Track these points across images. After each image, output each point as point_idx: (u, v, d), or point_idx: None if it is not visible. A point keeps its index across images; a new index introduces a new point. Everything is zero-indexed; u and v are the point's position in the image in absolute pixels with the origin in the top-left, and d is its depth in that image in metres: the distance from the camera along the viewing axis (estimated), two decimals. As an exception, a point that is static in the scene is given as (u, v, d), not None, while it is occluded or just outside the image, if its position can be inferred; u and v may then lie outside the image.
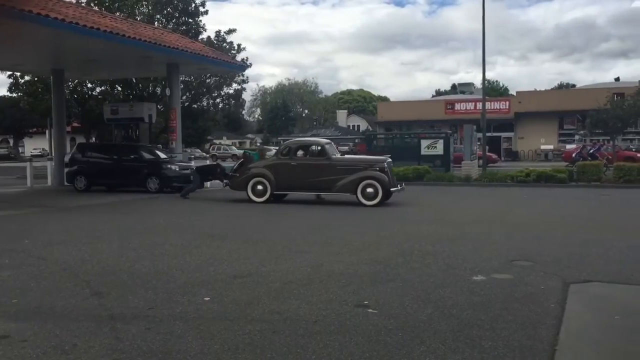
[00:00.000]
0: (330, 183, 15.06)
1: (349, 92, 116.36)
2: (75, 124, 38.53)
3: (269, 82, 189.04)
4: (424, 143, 27.99)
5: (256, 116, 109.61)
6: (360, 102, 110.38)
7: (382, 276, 7.01)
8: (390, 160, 16.18)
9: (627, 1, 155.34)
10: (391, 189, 14.94)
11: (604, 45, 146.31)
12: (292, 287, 6.47)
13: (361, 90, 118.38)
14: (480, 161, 27.24)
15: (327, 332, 4.92)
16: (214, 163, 21.28)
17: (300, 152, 15.84)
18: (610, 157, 30.10)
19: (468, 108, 53.24)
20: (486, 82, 28.54)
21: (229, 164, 22.45)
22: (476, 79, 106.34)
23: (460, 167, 25.31)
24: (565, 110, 48.66)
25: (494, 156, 40.98)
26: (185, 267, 7.58)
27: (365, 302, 5.85)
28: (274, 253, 8.54)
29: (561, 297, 6.03)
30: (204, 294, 6.19)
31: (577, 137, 45.14)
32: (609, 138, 35.64)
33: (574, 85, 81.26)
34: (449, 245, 9.17)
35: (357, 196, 14.83)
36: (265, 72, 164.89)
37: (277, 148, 20.24)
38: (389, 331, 4.95)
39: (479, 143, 32.57)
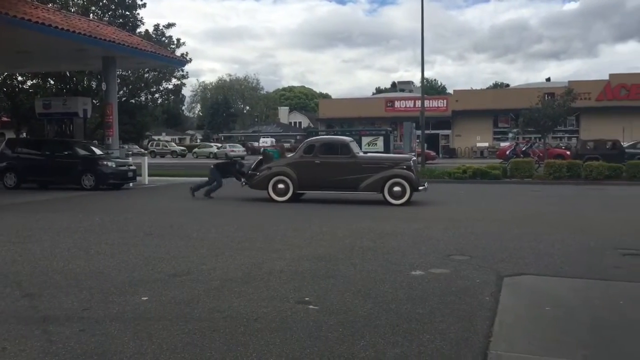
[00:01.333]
0: (355, 182, 14.68)
1: (291, 89, 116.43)
2: (4, 119, 36.86)
3: (210, 78, 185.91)
4: (365, 140, 28.28)
5: (196, 112, 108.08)
6: (302, 99, 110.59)
7: (323, 272, 7.04)
8: (415, 158, 16.15)
9: (559, 4, 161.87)
10: (419, 188, 14.72)
11: (537, 46, 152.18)
12: (233, 285, 6.41)
13: (303, 87, 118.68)
14: (419, 158, 27.78)
15: (268, 330, 4.90)
16: (231, 160, 20.38)
17: (323, 150, 15.25)
18: (541, 154, 31.31)
19: (407, 106, 54.24)
20: (425, 80, 29.15)
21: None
22: (415, 77, 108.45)
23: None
24: (500, 109, 50.29)
25: (432, 153, 41.90)
26: (122, 267, 7.38)
27: (307, 299, 5.86)
28: (214, 251, 8.44)
29: (495, 290, 6.22)
30: (141, 294, 6.05)
31: (510, 135, 46.77)
32: (540, 136, 37.04)
33: (507, 85, 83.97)
34: (389, 241, 9.31)
35: (384, 195, 14.55)
36: (206, 67, 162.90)
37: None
38: (330, 327, 4.98)
39: (418, 140, 33.25)
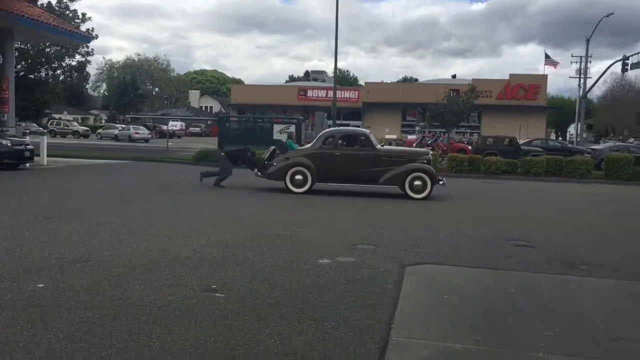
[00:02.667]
0: (375, 175, 14.51)
1: (203, 72, 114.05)
2: None
3: (117, 56, 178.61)
4: (277, 128, 28.27)
5: (102, 91, 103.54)
6: (214, 83, 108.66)
7: (230, 260, 7.00)
8: (431, 152, 16.00)
9: (467, 4, 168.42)
10: (439, 182, 14.69)
11: (445, 43, 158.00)
12: (136, 272, 6.23)
13: (215, 71, 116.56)
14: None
15: (172, 318, 4.81)
16: (244, 147, 19.01)
17: (343, 142, 15.03)
18: (445, 148, 32.55)
19: (320, 95, 54.68)
20: (338, 71, 29.44)
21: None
22: (329, 67, 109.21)
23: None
24: (409, 102, 51.85)
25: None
26: (16, 252, 6.98)
27: (213, 287, 5.81)
28: (117, 236, 8.15)
29: (398, 279, 6.44)
30: (37, 280, 5.75)
31: (417, 128, 48.29)
32: (445, 130, 38.49)
33: (416, 80, 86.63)
34: (298, 229, 9.38)
35: (405, 189, 14.47)
36: (113, 45, 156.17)
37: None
38: (236, 315, 4.96)
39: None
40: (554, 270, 7.19)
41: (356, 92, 55.89)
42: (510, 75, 53.32)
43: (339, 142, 14.88)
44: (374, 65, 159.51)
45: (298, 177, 14.55)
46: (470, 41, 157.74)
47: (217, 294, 5.57)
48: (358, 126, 54.51)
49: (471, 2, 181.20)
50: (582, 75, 47.97)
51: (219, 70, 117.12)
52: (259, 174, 15.23)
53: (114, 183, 15.81)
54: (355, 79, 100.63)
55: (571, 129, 68.34)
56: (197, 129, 70.49)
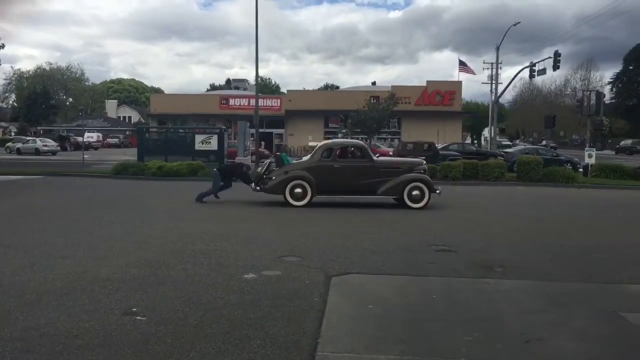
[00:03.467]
0: (373, 186, 14.54)
1: (120, 81, 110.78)
2: None
3: (27, 65, 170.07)
4: (199, 138, 27.76)
5: (11, 102, 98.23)
6: (132, 92, 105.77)
7: (152, 280, 6.80)
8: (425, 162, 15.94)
9: (385, 12, 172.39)
10: (436, 191, 14.70)
11: (365, 50, 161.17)
12: (50, 298, 5.94)
13: (133, 79, 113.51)
14: (254, 157, 27.98)
15: (90, 347, 4.61)
16: (238, 162, 17.77)
17: (342, 154, 14.91)
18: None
19: (242, 104, 54.30)
20: (259, 79, 29.34)
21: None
22: (250, 74, 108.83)
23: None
24: (331, 109, 52.40)
25: (267, 152, 42.40)
26: None
27: (134, 309, 5.62)
28: (29, 259, 7.74)
29: (324, 290, 6.47)
30: (-61, 314, 5.37)
31: (340, 135, 48.82)
32: (366, 137, 39.22)
33: (338, 87, 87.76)
34: (222, 243, 9.25)
35: (404, 199, 14.44)
36: (22, 53, 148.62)
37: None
38: (159, 339, 4.82)
39: (252, 139, 33.43)
40: (472, 274, 7.45)
41: (278, 100, 55.92)
42: (428, 82, 54.98)
43: (338, 154, 14.88)
44: (296, 72, 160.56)
45: (297, 190, 14.47)
46: (388, 48, 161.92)
47: (139, 317, 5.39)
48: (281, 134, 54.64)
49: (389, 10, 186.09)
50: (493, 81, 50.21)
51: (137, 78, 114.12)
52: (258, 188, 15.00)
53: (24, 200, 15.02)
54: (277, 87, 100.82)
55: (485, 132, 71.27)
56: (115, 140, 68.30)
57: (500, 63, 49.14)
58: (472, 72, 53.63)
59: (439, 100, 53.14)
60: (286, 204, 14.39)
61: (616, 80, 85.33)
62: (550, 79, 79.43)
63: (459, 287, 6.75)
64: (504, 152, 36.09)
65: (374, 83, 70.64)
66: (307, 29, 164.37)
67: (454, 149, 35.10)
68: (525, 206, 15.75)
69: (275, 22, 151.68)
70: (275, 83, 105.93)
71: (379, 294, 6.43)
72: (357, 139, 41.62)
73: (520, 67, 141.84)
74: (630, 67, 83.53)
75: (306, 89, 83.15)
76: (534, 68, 40.69)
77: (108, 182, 21.86)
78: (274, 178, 14.72)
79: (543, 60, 39.17)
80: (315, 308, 5.79)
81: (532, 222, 12.76)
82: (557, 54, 36.90)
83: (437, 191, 14.74)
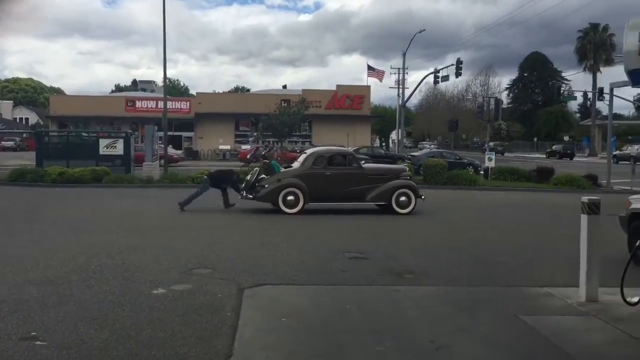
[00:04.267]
0: (362, 192, 14.78)
1: (16, 81, 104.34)
2: None
3: None
4: (103, 142, 26.63)
5: None
6: (29, 92, 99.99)
7: (53, 299, 6.42)
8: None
9: (295, 14, 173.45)
10: (421, 197, 15.08)
11: (275, 52, 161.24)
12: (-62, 325, 5.47)
13: (30, 79, 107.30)
14: (162, 161, 27.21)
15: (-17, 379, 4.29)
16: (229, 169, 16.79)
17: (332, 161, 15.05)
18: (279, 158, 33.13)
19: (149, 106, 52.71)
20: (168, 80, 28.62)
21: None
22: (158, 76, 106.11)
23: (141, 167, 24.84)
24: (241, 112, 51.91)
25: (176, 156, 41.39)
26: None
27: (33, 334, 5.28)
28: None
29: (236, 304, 6.37)
30: None
31: (251, 139, 48.56)
32: (277, 140, 39.24)
33: (248, 90, 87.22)
34: (129, 256, 8.90)
35: (392, 205, 14.66)
36: None
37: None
38: (61, 365, 4.56)
39: (160, 142, 32.51)
40: (383, 281, 7.61)
41: (188, 103, 54.74)
42: (337, 86, 55.77)
43: (329, 162, 15.00)
44: (206, 74, 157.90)
45: (290, 197, 14.47)
46: (299, 51, 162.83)
47: (38, 342, 5.07)
48: (190, 137, 53.55)
49: (299, 13, 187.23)
50: (400, 86, 51.76)
51: (35, 78, 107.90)
52: (250, 196, 14.88)
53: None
54: (187, 89, 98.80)
55: (393, 135, 73.26)
56: (11, 144, 64.15)
57: (407, 68, 50.83)
58: (380, 77, 54.93)
59: (348, 104, 54.03)
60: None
61: (513, 86, 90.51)
62: (453, 84, 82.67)
63: (372, 296, 6.87)
64: (411, 155, 37.26)
65: (284, 86, 70.75)
66: (216, 30, 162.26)
67: (364, 152, 35.84)
68: (433, 210, 16.29)
69: (184, 22, 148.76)
70: (184, 85, 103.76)
71: (292, 306, 6.42)
72: (268, 142, 41.62)
73: (426, 72, 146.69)
74: (525, 74, 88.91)
75: (216, 91, 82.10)
76: (438, 74, 42.33)
77: (3, 189, 20.51)
78: (266, 186, 14.71)
79: (447, 67, 40.80)
80: (227, 323, 5.69)
81: (441, 226, 13.23)
82: (459, 62, 38.55)
83: (422, 197, 15.14)
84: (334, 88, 55.58)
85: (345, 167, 15.09)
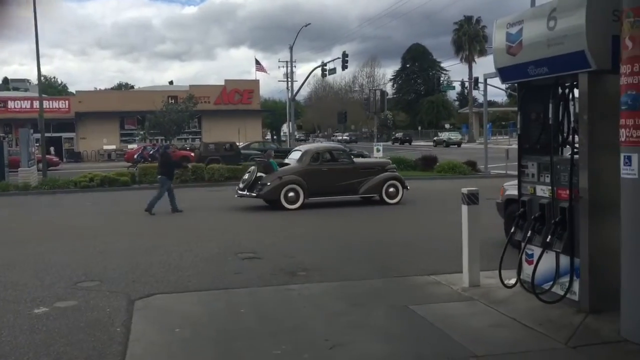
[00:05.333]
0: (355, 186, 15.60)
1: None
2: None
3: None
4: (-29, 148, 24.57)
5: None
6: None
7: None
8: None
9: (179, 7, 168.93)
10: (406, 188, 16.12)
11: (161, 46, 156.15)
12: None
13: None
14: (40, 165, 25.60)
15: None
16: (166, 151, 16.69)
17: (328, 158, 15.94)
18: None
19: (23, 106, 49.32)
20: (43, 78, 26.83)
21: None
22: (33, 73, 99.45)
23: (17, 173, 23.18)
24: (126, 110, 49.86)
25: (55, 158, 39.07)
26: None
27: None
28: None
29: (127, 318, 6.12)
30: None
31: (137, 138, 46.84)
32: (164, 138, 38.09)
33: (132, 86, 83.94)
34: (6, 272, 8.31)
35: (382, 196, 15.63)
36: None
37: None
38: None
39: (37, 145, 30.52)
40: (277, 280, 7.62)
41: (67, 102, 51.72)
42: (226, 80, 55.10)
43: (325, 158, 15.86)
44: (86, 70, 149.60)
45: (291, 194, 15.01)
46: (185, 44, 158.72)
47: None
48: (71, 138, 50.74)
49: (183, 6, 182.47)
50: (289, 79, 52.08)
51: None
52: (254, 194, 15.20)
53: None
54: (65, 87, 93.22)
55: (284, 129, 73.57)
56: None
57: (295, 61, 51.18)
58: (266, 71, 55.07)
59: (238, 99, 53.59)
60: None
61: (396, 77, 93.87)
62: (340, 76, 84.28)
63: (266, 297, 6.86)
64: (302, 148, 37.58)
65: (171, 82, 68.98)
66: (95, 23, 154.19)
67: (256, 147, 35.72)
68: (322, 203, 16.54)
69: (59, 15, 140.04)
70: (62, 82, 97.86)
71: (186, 315, 6.26)
72: (157, 141, 40.38)
73: (314, 64, 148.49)
74: (408, 65, 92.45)
75: (98, 88, 78.32)
76: (325, 67, 43.02)
77: None
78: (268, 184, 15.08)
79: (333, 60, 41.60)
80: (117, 340, 5.45)
81: (329, 220, 13.47)
82: (344, 55, 39.39)
83: (407, 187, 16.21)
84: (223, 82, 54.88)
85: (340, 162, 16.04)
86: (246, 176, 15.91)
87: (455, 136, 64.95)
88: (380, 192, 15.77)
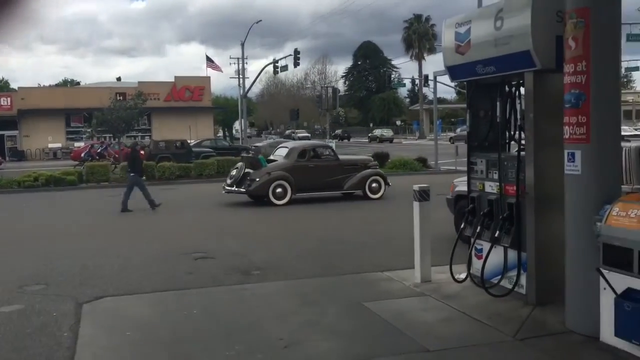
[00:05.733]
0: (340, 182, 15.93)
1: None
2: None
3: None
4: None
5: None
6: None
7: None
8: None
9: (126, 1, 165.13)
10: (388, 184, 16.52)
11: (108, 42, 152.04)
12: None
13: None
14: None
15: None
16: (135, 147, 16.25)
17: (314, 154, 16.21)
18: (117, 155, 31.46)
19: (-39, 104, 47.31)
20: (-19, 77, 25.70)
21: None
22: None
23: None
24: (72, 107, 48.41)
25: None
26: None
27: None
28: None
29: (74, 322, 5.95)
30: None
31: (84, 135, 45.60)
32: (112, 136, 37.10)
33: (79, 83, 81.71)
34: (-56, 278, 7.93)
35: (366, 191, 16.01)
36: None
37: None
38: None
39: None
40: (231, 280, 7.56)
41: (9, 99, 49.84)
42: (176, 77, 54.18)
43: (311, 155, 16.11)
44: (29, 65, 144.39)
45: (279, 190, 15.17)
46: (133, 40, 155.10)
47: None
48: (14, 136, 49.01)
49: (131, 0, 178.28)
50: (241, 76, 51.67)
51: None
52: (242, 190, 15.28)
53: None
54: (6, 83, 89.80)
55: (236, 125, 72.96)
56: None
57: (246, 58, 50.80)
58: (219, 70, 54.44)
59: (188, 95, 52.79)
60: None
61: (348, 74, 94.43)
62: (292, 73, 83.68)
63: (220, 298, 6.78)
64: (255, 146, 37.39)
65: (119, 79, 67.32)
66: (39, 17, 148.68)
67: (207, 145, 35.29)
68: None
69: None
70: (2, 78, 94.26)
71: (137, 317, 6.13)
72: (105, 138, 39.38)
73: (265, 61, 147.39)
74: (359, 62, 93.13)
75: (42, 84, 75.71)
76: (277, 64, 42.86)
77: None
78: (257, 179, 15.21)
79: (285, 57, 41.44)
80: (64, 345, 5.29)
81: (286, 217, 13.44)
82: (296, 52, 39.33)
83: (389, 184, 16.64)
84: (173, 79, 54.00)
85: (326, 159, 16.31)
86: (234, 172, 15.99)
87: (387, 133, 67.09)
88: (363, 187, 16.19)
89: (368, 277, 7.52)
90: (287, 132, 69.06)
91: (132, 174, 14.94)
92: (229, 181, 15.84)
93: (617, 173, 5.47)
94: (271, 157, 16.66)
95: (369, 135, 68.05)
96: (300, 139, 44.56)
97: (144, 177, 16.26)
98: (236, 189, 15.45)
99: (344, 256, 8.89)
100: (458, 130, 57.76)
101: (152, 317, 6.16)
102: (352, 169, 16.35)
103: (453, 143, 42.89)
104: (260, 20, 46.67)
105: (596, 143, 5.02)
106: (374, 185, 16.26)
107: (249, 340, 5.32)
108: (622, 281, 4.55)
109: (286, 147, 17.03)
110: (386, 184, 16.48)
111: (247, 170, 15.55)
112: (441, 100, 63.21)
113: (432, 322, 5.69)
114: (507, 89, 6.26)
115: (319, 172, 15.75)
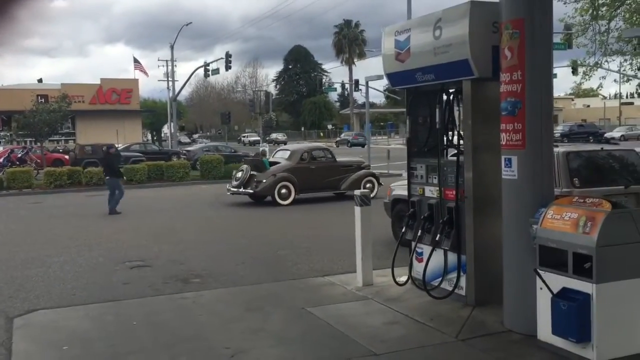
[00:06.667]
0: (337, 182, 16.60)
1: None
2: None
3: None
4: None
5: None
6: None
7: None
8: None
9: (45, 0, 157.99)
10: (381, 184, 17.03)
11: (27, 41, 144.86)
12: None
13: None
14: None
15: None
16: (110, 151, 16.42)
17: (315, 156, 16.91)
18: (39, 160, 30.10)
19: None
20: None
21: None
22: None
23: None
24: (-11, 110, 45.94)
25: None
26: None
27: None
28: None
29: (6, 338, 5.66)
30: None
31: (4, 140, 43.32)
32: (34, 140, 35.47)
33: (-3, 84, 77.56)
34: None
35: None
36: None
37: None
38: None
39: None
40: (170, 289, 7.38)
41: None
42: (102, 79, 52.42)
43: (312, 156, 16.81)
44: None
45: (283, 190, 15.72)
46: (55, 39, 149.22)
47: None
48: None
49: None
50: (170, 79, 50.60)
51: None
52: (250, 191, 15.74)
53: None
54: None
55: (165, 129, 71.35)
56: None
57: (176, 60, 49.83)
58: (146, 73, 53.20)
59: (115, 98, 51.20)
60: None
61: (279, 78, 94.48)
62: (223, 76, 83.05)
63: (159, 307, 6.61)
64: (186, 150, 36.71)
65: (40, 80, 64.29)
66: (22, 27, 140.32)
67: (136, 149, 34.34)
68: (212, 206, 16.31)
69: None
70: None
71: (73, 331, 5.87)
72: (25, 143, 37.58)
73: (195, 63, 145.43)
74: (290, 67, 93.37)
75: (-46, 85, 71.32)
76: (208, 67, 42.28)
77: None
78: (264, 181, 15.71)
79: (216, 60, 40.96)
80: (-4, 363, 5.02)
81: (222, 222, 13.28)
82: (228, 55, 38.92)
83: (382, 184, 17.08)
84: (99, 81, 52.24)
85: (324, 161, 17.00)
86: (239, 174, 16.41)
87: (281, 137, 69.82)
88: (359, 187, 16.38)
89: (309, 282, 7.52)
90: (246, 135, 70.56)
91: (108, 178, 15.32)
92: (234, 183, 16.30)
93: (551, 178, 5.73)
94: (272, 160, 17.25)
95: (267, 138, 69.73)
96: (250, 142, 44.49)
97: (124, 178, 16.95)
98: (243, 190, 16.02)
99: (280, 262, 8.87)
100: (342, 135, 61.35)
101: (89, 329, 5.92)
102: (348, 170, 17.11)
103: (338, 147, 44.99)
104: (191, 23, 45.76)
105: (531, 149, 5.25)
106: (368, 185, 16.72)
107: (192, 350, 5.22)
108: (557, 281, 4.76)
109: (287, 149, 17.86)
110: (379, 184, 17.13)
111: (252, 172, 16.07)
112: (371, 105, 64.31)
113: (376, 326, 5.77)
114: (445, 96, 6.44)
115: (320, 173, 16.49)
